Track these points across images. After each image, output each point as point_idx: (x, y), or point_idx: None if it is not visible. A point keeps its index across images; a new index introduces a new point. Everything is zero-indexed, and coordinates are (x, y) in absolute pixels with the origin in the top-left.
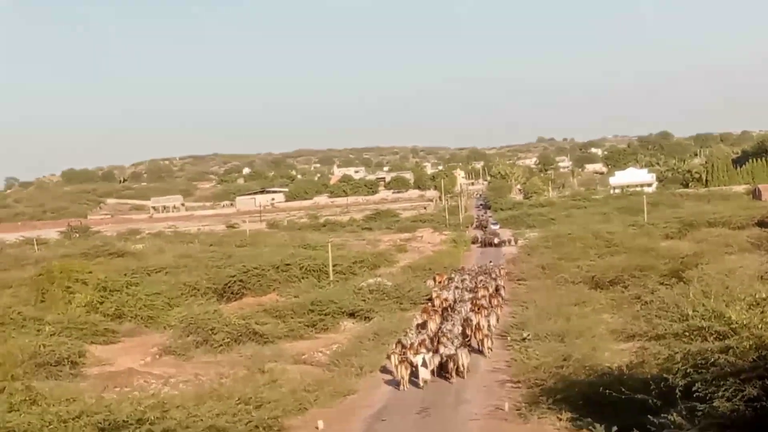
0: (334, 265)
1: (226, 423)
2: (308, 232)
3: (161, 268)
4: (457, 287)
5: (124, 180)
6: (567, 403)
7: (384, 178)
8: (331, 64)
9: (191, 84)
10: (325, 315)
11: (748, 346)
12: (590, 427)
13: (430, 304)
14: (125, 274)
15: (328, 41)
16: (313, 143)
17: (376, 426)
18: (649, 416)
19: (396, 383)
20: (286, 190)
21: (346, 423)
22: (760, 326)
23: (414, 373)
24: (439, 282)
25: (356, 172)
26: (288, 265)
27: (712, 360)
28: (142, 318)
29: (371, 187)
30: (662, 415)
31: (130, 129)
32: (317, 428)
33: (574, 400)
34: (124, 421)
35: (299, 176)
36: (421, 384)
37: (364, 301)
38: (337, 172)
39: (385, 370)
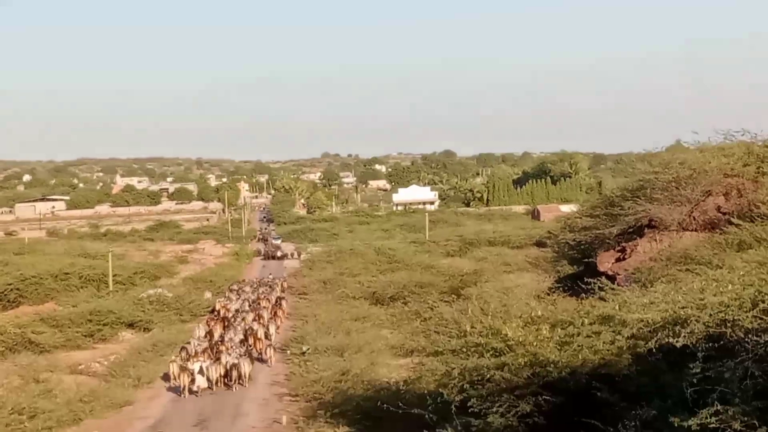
0: (114, 275)
1: None
2: (89, 242)
3: None
4: (239, 298)
5: None
6: (344, 417)
7: (167, 188)
8: (115, 71)
9: None
10: (104, 325)
11: (522, 363)
12: None
13: (213, 313)
14: None
15: (113, 46)
16: (95, 152)
17: None
18: (425, 431)
19: (175, 392)
20: (68, 198)
21: None
22: (534, 343)
23: (194, 381)
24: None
25: (139, 182)
26: (67, 274)
27: (488, 376)
28: None
29: (154, 198)
30: (438, 429)
31: None
32: None
33: (351, 414)
34: None
35: (81, 185)
36: (195, 389)
37: (144, 311)
38: (120, 182)
39: (165, 379)
